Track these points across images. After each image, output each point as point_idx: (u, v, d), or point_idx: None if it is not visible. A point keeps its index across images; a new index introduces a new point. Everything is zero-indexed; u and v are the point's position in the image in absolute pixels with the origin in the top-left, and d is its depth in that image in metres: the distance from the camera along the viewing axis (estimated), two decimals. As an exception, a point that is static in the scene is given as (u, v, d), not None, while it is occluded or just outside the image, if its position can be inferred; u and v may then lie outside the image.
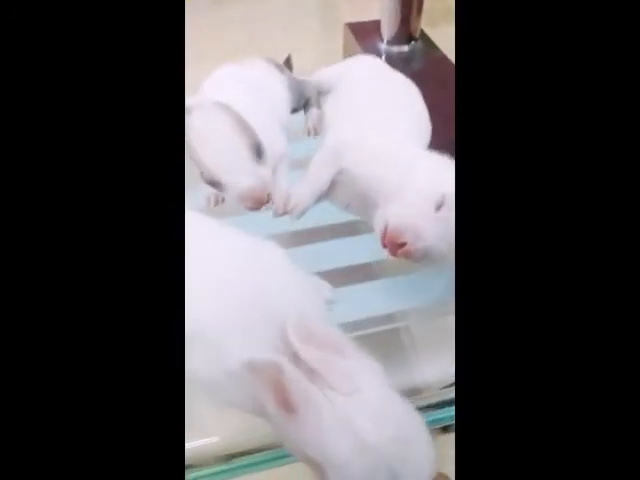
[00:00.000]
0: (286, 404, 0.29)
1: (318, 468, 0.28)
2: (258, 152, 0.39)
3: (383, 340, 0.47)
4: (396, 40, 0.85)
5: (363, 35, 0.88)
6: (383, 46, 0.85)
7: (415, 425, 0.30)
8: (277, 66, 0.55)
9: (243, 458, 0.38)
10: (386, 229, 0.40)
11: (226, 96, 0.43)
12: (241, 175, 0.39)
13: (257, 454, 0.38)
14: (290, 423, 0.29)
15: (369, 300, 0.47)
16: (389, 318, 0.46)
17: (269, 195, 0.40)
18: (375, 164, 0.44)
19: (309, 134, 0.55)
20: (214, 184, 0.40)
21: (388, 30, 0.84)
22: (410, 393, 0.41)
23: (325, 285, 0.44)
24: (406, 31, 0.84)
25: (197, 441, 0.38)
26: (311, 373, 0.30)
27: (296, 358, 0.30)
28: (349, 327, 0.44)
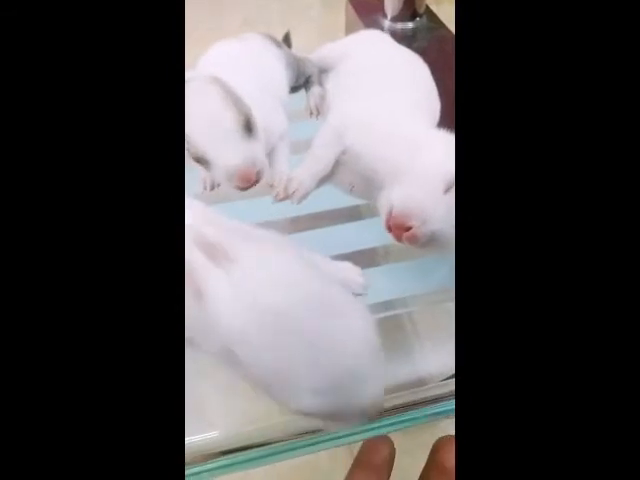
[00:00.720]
0: (195, 293, 0.27)
1: (234, 360, 0.27)
2: (248, 127, 0.37)
3: (385, 327, 0.46)
4: (400, 17, 0.82)
5: (366, 12, 0.85)
6: (387, 23, 0.82)
7: (341, 299, 0.28)
8: (275, 42, 0.53)
9: (242, 453, 0.37)
10: (391, 212, 0.38)
11: (222, 72, 0.41)
12: (228, 151, 0.36)
13: (257, 449, 0.37)
14: (202, 313, 0.27)
15: (371, 286, 0.46)
16: (391, 305, 0.45)
17: (259, 173, 0.38)
18: (381, 143, 0.42)
19: (311, 114, 0.53)
20: (200, 161, 0.37)
21: (392, 6, 0.81)
22: (413, 384, 0.40)
23: (355, 270, 0.42)
24: (410, 7, 0.81)
25: (196, 436, 0.37)
26: (213, 252, 0.28)
27: (198, 242, 0.28)
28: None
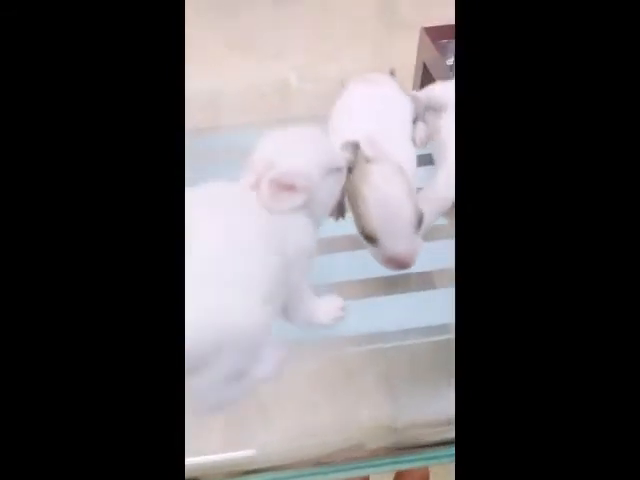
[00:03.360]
0: None
1: None
2: (419, 222, 0.39)
3: (438, 352, 0.44)
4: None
5: (439, 37, 0.84)
6: (460, 49, 0.81)
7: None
8: (398, 83, 0.54)
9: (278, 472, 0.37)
10: None
11: (365, 123, 0.44)
12: (399, 240, 0.38)
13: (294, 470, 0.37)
14: None
15: (423, 309, 0.45)
16: (445, 329, 0.44)
17: (412, 263, 0.40)
18: None
19: (415, 145, 0.54)
20: (369, 239, 0.40)
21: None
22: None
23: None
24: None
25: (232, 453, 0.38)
26: None
27: None
28: (399, 336, 0.43)
